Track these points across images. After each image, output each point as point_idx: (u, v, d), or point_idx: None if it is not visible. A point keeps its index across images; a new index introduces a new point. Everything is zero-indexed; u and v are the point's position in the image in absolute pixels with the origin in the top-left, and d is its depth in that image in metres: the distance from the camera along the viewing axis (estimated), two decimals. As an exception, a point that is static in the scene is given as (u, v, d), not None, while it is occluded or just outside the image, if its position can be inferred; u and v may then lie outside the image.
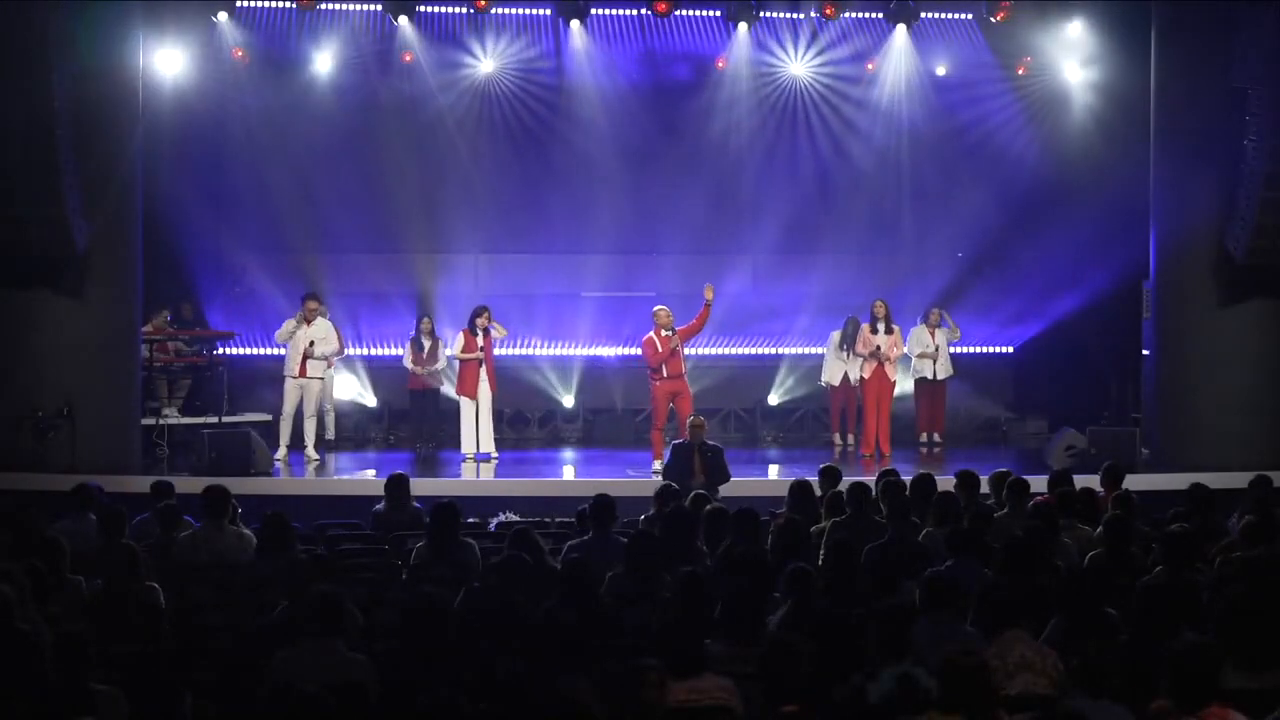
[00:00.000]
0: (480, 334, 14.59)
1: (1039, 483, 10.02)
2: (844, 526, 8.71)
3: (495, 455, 14.71)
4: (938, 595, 6.38)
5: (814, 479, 10.11)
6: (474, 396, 14.62)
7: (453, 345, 15.04)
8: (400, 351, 15.90)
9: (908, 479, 9.74)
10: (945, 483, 9.83)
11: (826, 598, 6.87)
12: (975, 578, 7.06)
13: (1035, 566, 7.04)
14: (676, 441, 12.19)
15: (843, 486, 9.57)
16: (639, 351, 14.90)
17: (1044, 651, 5.90)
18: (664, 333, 14.26)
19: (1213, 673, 5.03)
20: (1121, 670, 5.62)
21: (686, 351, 14.52)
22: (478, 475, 14.06)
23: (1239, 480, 10.77)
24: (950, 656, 4.95)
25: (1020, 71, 17.44)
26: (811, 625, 6.18)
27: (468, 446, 14.67)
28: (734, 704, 5.49)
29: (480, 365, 14.61)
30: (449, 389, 16.13)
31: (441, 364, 15.66)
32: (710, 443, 11.79)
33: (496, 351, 15.10)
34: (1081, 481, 9.97)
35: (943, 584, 6.44)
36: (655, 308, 14.30)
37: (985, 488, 9.88)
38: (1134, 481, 10.49)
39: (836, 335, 15.99)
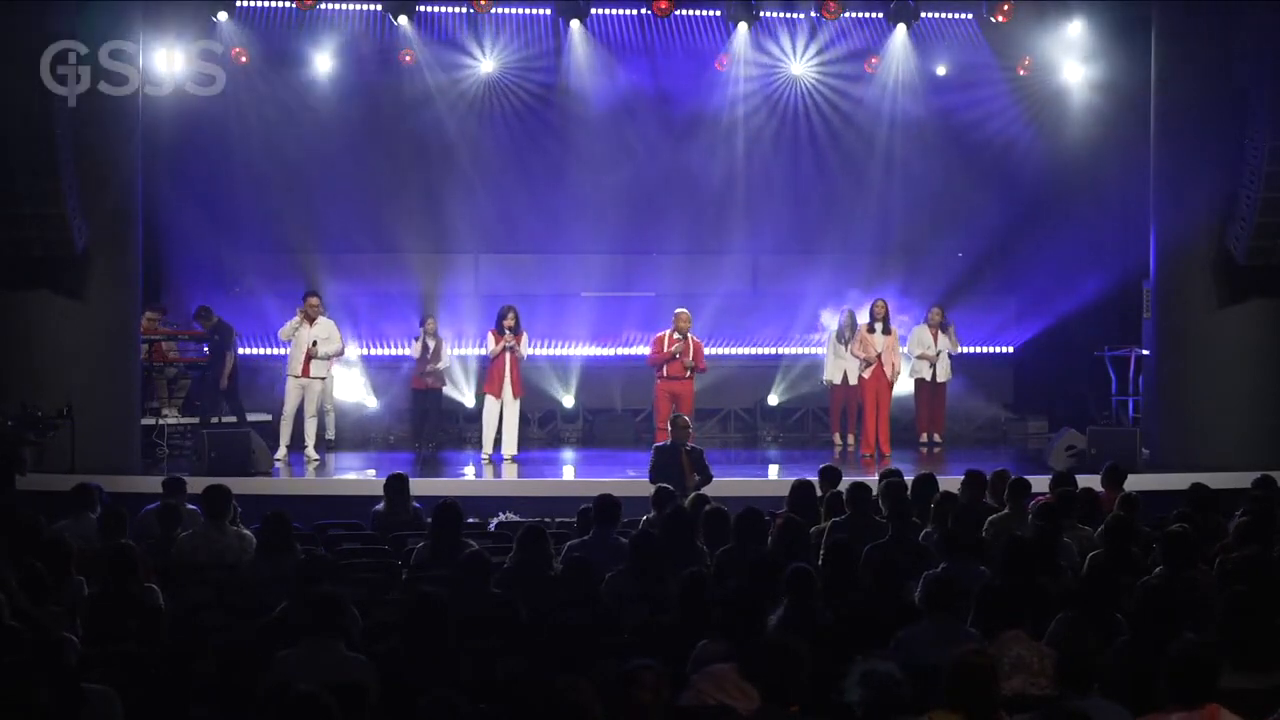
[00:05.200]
0: (507, 333, 14.46)
1: (1040, 483, 10.02)
2: (843, 527, 8.71)
3: (509, 458, 14.51)
4: (936, 596, 6.38)
5: (815, 479, 10.10)
6: (498, 396, 14.53)
7: (485, 345, 14.86)
8: (404, 351, 16.02)
9: (908, 479, 9.74)
10: (945, 483, 9.83)
11: (824, 599, 6.87)
12: (974, 578, 7.07)
13: (1035, 567, 7.04)
14: (659, 444, 12.14)
15: (842, 487, 9.57)
16: (639, 351, 15.01)
17: (1043, 652, 5.91)
18: (675, 335, 14.34)
19: (1212, 671, 5.03)
20: (1121, 670, 5.63)
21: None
22: (478, 475, 14.07)
23: (1239, 480, 10.78)
24: (961, 655, 4.97)
25: (1020, 72, 17.44)
26: (810, 626, 6.19)
27: (487, 447, 14.64)
28: (745, 706, 5.48)
29: (504, 365, 14.43)
30: (451, 389, 16.15)
31: (445, 364, 15.69)
32: (691, 445, 11.76)
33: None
34: (1082, 482, 9.96)
35: (941, 585, 6.45)
36: (678, 309, 14.40)
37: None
38: (1134, 481, 10.49)
39: (833, 329, 15.97)
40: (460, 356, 16.67)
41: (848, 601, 6.94)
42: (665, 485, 9.77)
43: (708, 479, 11.45)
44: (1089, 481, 10.18)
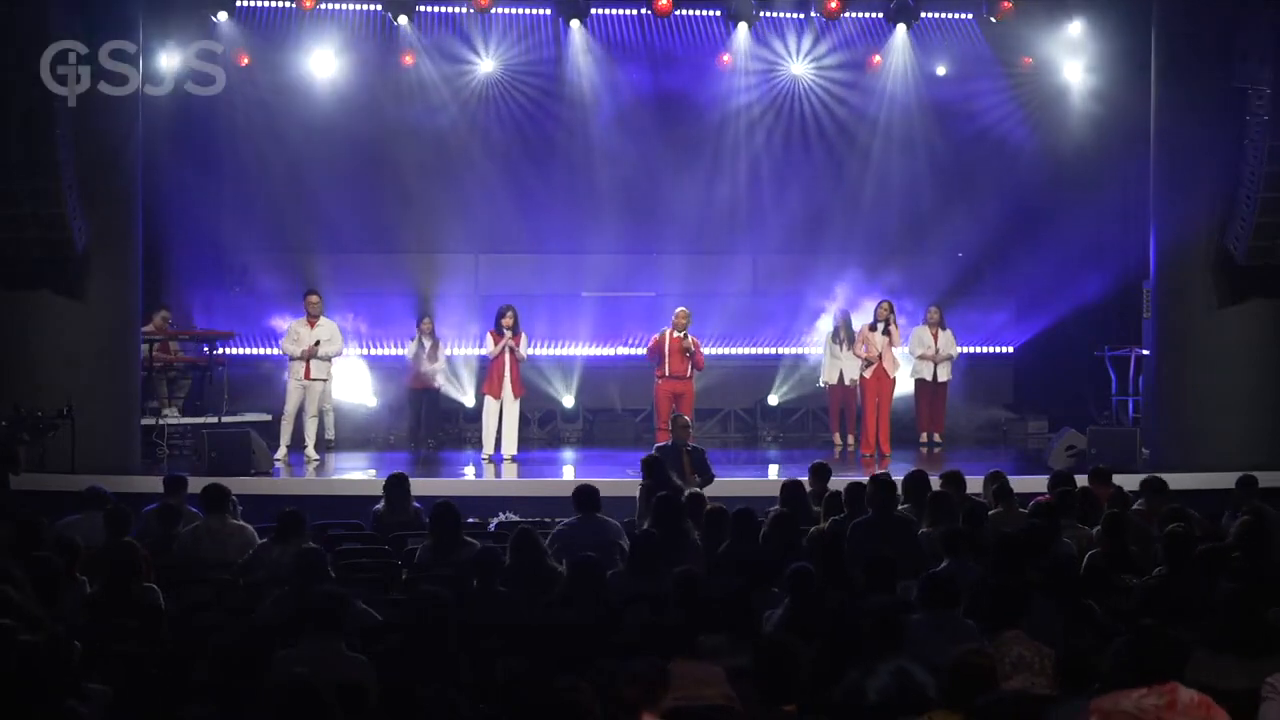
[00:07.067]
0: (507, 333, 14.45)
1: (1040, 483, 10.03)
2: (841, 526, 8.72)
3: (509, 458, 14.49)
4: (935, 594, 6.39)
5: (805, 478, 10.14)
6: (497, 396, 14.52)
7: (484, 346, 14.85)
8: (402, 351, 16.01)
9: (897, 479, 9.75)
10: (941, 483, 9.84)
11: (820, 593, 6.89)
12: (972, 576, 7.08)
13: (1028, 565, 7.06)
14: (660, 444, 12.17)
15: (839, 486, 9.60)
16: (640, 351, 15.01)
17: (1042, 651, 5.91)
18: (675, 333, 14.36)
19: (1176, 651, 5.07)
20: (1121, 670, 5.63)
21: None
22: (478, 475, 14.07)
23: (1238, 481, 10.79)
24: (961, 655, 4.98)
25: (1020, 71, 17.43)
26: (809, 624, 6.20)
27: (488, 447, 14.63)
28: (733, 701, 5.49)
29: (504, 365, 14.42)
30: (448, 388, 16.15)
31: (440, 364, 15.70)
32: (691, 445, 11.77)
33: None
34: (1082, 482, 9.97)
35: (940, 583, 6.46)
36: (678, 308, 14.44)
37: (980, 488, 9.94)
38: (1135, 482, 10.48)
39: (828, 332, 15.98)
40: (460, 356, 16.67)
41: (839, 598, 6.94)
42: (653, 454, 9.83)
43: (709, 479, 11.47)
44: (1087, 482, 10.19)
